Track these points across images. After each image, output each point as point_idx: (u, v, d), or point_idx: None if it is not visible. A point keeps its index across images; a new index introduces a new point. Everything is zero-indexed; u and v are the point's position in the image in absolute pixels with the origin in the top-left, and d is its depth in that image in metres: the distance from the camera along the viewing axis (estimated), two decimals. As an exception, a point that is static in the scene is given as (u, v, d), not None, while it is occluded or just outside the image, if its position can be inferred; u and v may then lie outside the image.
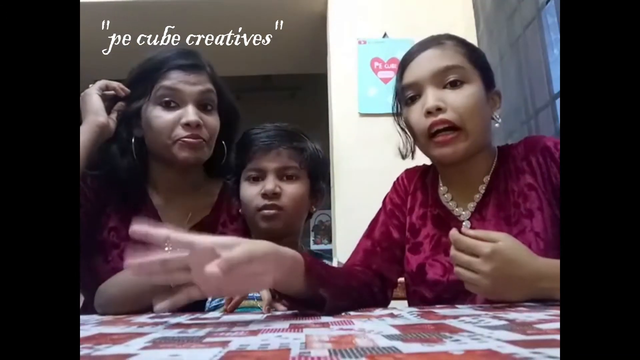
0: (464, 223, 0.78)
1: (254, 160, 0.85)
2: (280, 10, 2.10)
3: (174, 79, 0.86)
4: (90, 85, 0.89)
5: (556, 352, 0.27)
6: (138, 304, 0.70)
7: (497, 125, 0.80)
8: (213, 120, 0.89)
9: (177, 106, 0.86)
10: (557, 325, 0.40)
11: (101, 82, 0.89)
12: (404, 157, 0.86)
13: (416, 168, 0.91)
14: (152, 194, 0.93)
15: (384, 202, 0.89)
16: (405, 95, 0.78)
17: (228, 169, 0.97)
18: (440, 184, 0.85)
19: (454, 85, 0.73)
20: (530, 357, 0.25)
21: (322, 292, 0.56)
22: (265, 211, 0.83)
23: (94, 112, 0.85)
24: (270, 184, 0.83)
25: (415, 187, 0.86)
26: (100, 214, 0.89)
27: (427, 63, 0.75)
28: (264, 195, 0.83)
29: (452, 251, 0.62)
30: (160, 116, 0.85)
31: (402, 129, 0.84)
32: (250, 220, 0.87)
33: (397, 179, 0.90)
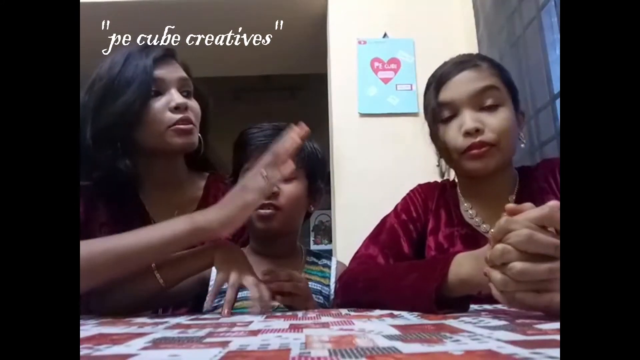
0: None
1: (252, 159, 0.85)
2: (280, 10, 2.10)
3: (156, 71, 0.86)
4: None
5: (556, 352, 0.27)
6: (127, 300, 0.69)
7: (522, 145, 0.81)
8: (196, 105, 0.90)
9: (160, 94, 0.87)
10: (557, 325, 0.40)
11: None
12: (442, 176, 0.88)
13: (432, 184, 0.90)
14: (140, 190, 0.93)
15: (395, 210, 0.87)
16: (441, 114, 0.79)
17: (207, 162, 0.97)
18: (463, 201, 0.85)
19: (490, 108, 0.75)
20: (530, 357, 0.25)
21: None
22: (262, 211, 0.82)
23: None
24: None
25: (437, 205, 0.85)
26: (91, 210, 0.89)
27: (465, 85, 0.77)
28: None
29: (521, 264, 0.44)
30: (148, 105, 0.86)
31: (440, 151, 0.84)
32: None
33: (414, 192, 0.89)
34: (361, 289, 0.70)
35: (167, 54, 0.90)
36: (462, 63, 0.80)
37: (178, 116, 0.85)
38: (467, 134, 0.75)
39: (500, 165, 0.77)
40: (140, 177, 0.91)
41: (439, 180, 0.92)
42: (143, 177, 0.92)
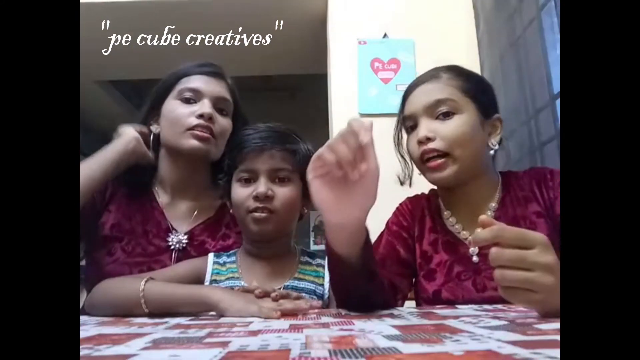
0: (471, 250, 0.80)
1: (246, 162, 0.84)
2: (280, 10, 2.10)
3: (195, 81, 0.94)
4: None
5: (556, 352, 0.27)
6: (113, 314, 0.70)
7: (491, 152, 0.83)
8: (225, 122, 0.95)
9: (194, 103, 0.92)
10: (557, 325, 0.40)
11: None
12: (402, 183, 0.91)
13: (419, 195, 0.93)
14: (159, 192, 0.97)
15: (387, 226, 0.90)
16: (406, 125, 0.85)
17: (222, 170, 0.99)
18: (444, 209, 0.87)
19: (446, 115, 0.79)
20: (530, 357, 0.25)
21: (373, 266, 0.63)
22: (256, 214, 0.82)
23: (125, 132, 0.91)
24: (262, 186, 0.82)
25: (422, 214, 0.88)
26: (102, 212, 0.92)
27: (422, 96, 0.82)
28: (256, 198, 0.82)
29: (496, 253, 0.48)
30: (178, 108, 0.92)
31: (402, 156, 0.89)
32: (241, 222, 0.86)
33: (401, 204, 0.92)
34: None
35: (216, 72, 0.97)
36: (424, 76, 0.85)
37: (199, 122, 0.89)
38: (420, 142, 0.79)
39: (461, 176, 0.78)
40: (159, 177, 0.97)
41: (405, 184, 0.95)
42: (164, 179, 0.97)
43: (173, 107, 0.92)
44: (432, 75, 0.84)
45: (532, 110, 1.23)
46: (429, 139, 0.78)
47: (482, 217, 0.50)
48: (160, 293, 0.70)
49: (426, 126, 0.79)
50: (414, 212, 0.89)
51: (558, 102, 1.10)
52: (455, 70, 0.85)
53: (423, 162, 0.80)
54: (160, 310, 0.68)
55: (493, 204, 0.81)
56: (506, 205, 0.81)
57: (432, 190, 0.93)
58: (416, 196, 0.94)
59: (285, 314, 0.60)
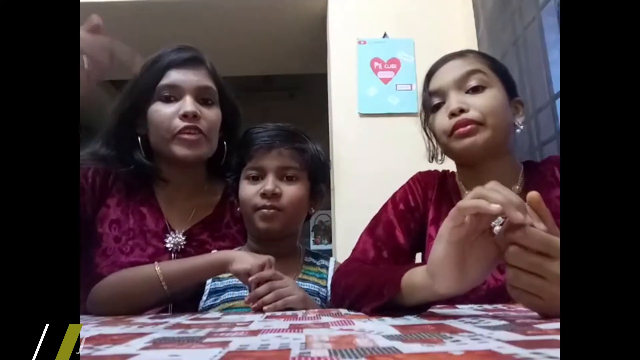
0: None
1: (255, 159, 0.85)
2: (280, 10, 2.10)
3: (173, 76, 0.88)
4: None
5: (556, 352, 0.27)
6: (127, 305, 0.69)
7: (518, 131, 0.82)
8: (213, 114, 0.90)
9: (176, 100, 0.87)
10: (557, 325, 0.40)
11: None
12: (431, 159, 0.89)
13: (433, 173, 0.89)
14: (157, 191, 0.94)
15: (393, 199, 0.86)
16: (432, 102, 0.82)
17: (230, 168, 0.97)
18: (464, 191, 0.83)
19: (476, 90, 0.78)
20: (531, 357, 0.25)
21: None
22: (264, 211, 0.82)
23: None
24: (270, 184, 0.82)
25: (438, 195, 0.85)
26: (100, 206, 0.90)
27: (451, 71, 0.80)
28: (263, 195, 0.82)
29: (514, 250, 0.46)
30: (160, 110, 0.87)
31: (428, 136, 0.87)
32: (248, 219, 0.87)
33: (413, 180, 0.88)
34: (339, 296, 0.70)
35: (192, 59, 0.90)
36: (450, 55, 0.84)
37: (185, 124, 0.85)
38: (452, 114, 0.77)
39: (491, 146, 0.76)
40: (158, 174, 0.93)
41: (437, 168, 0.92)
42: (162, 175, 0.93)
43: (155, 109, 0.87)
44: (459, 53, 0.84)
45: (532, 110, 1.23)
46: (462, 111, 0.76)
47: (532, 193, 0.48)
48: (178, 267, 0.71)
49: (457, 99, 0.77)
50: (426, 191, 0.86)
51: (558, 102, 1.10)
52: (480, 52, 0.86)
53: (451, 133, 0.77)
54: (180, 286, 0.70)
55: (517, 187, 0.79)
56: (530, 190, 0.79)
57: (446, 170, 0.90)
58: (429, 172, 0.90)
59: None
